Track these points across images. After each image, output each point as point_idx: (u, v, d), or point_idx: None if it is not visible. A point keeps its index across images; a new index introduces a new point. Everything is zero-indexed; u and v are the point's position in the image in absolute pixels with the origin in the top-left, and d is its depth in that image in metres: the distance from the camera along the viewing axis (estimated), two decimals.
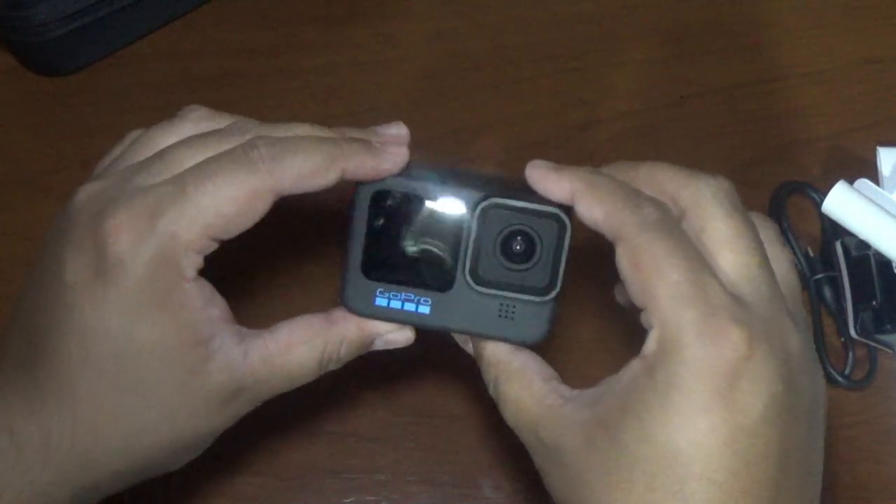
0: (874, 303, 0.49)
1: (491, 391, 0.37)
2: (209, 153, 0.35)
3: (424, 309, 0.37)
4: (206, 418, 0.36)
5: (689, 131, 0.56)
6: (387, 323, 0.38)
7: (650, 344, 0.32)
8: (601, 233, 0.34)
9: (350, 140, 0.36)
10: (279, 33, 0.59)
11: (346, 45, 0.59)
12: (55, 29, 0.54)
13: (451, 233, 0.36)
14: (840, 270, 0.51)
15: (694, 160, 0.55)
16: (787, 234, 0.52)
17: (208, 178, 0.34)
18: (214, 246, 0.35)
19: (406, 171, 0.37)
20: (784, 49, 0.58)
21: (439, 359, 0.50)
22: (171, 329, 0.34)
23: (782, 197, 0.53)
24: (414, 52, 0.58)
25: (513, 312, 0.36)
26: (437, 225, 0.36)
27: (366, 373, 0.50)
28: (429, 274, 0.37)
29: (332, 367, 0.38)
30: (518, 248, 0.36)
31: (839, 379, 0.49)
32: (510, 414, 0.36)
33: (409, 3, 0.60)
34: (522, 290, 0.36)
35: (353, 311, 0.37)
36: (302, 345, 0.36)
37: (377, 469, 0.48)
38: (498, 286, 0.36)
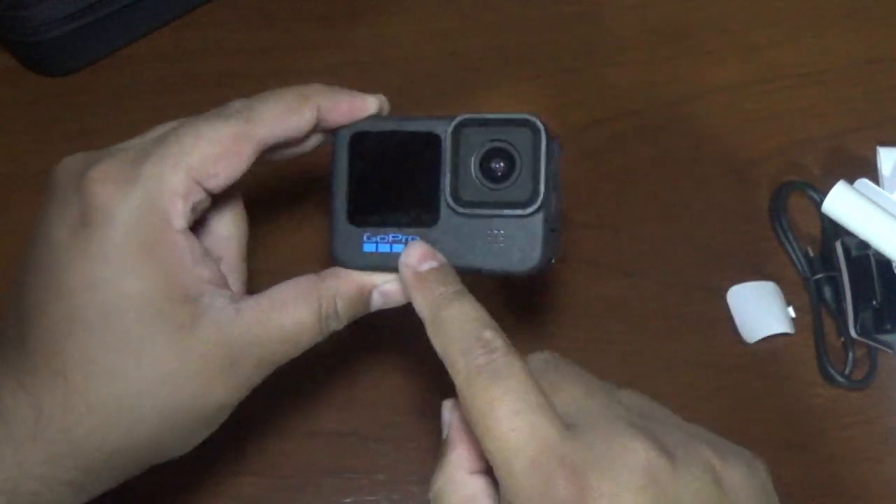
0: (874, 303, 0.49)
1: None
2: None
3: None
4: (208, 383, 0.34)
5: (689, 131, 0.56)
6: (379, 273, 0.37)
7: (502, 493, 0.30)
8: None
9: (322, 84, 0.37)
10: (279, 33, 0.59)
11: (346, 45, 0.59)
12: (55, 29, 0.54)
13: (431, 163, 0.36)
14: (840, 270, 0.51)
15: (694, 160, 0.55)
16: (788, 234, 0.52)
17: (189, 125, 0.35)
18: (203, 196, 0.35)
19: (381, 116, 0.37)
20: (784, 49, 0.58)
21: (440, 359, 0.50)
22: (158, 281, 0.33)
23: (782, 197, 0.53)
24: (414, 52, 0.58)
25: (501, 236, 0.35)
26: (416, 158, 0.36)
27: (366, 372, 0.50)
28: (415, 211, 0.36)
29: (334, 325, 0.37)
30: (496, 165, 0.35)
31: (839, 379, 0.49)
32: None
33: (409, 3, 0.60)
34: (506, 206, 0.35)
35: (343, 263, 0.37)
36: (295, 301, 0.36)
37: (377, 469, 0.48)
38: (482, 207, 0.35)
